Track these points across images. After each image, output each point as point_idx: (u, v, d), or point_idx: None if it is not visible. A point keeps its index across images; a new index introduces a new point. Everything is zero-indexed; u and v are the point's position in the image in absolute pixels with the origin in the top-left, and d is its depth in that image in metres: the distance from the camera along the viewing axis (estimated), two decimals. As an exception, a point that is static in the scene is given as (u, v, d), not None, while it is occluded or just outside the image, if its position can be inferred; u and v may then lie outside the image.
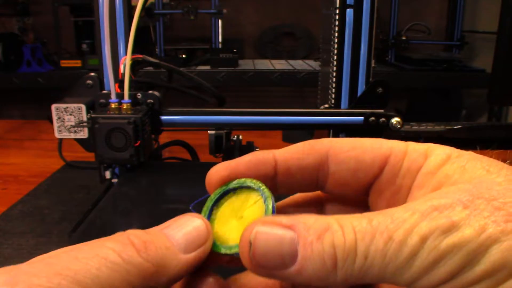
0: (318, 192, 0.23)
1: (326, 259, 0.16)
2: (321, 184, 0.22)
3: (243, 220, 0.20)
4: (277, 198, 0.21)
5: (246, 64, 1.84)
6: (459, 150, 0.20)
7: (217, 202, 0.21)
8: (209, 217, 0.21)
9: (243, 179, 0.21)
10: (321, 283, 0.17)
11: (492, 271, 0.15)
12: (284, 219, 0.17)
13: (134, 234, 0.17)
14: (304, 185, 0.22)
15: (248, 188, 0.21)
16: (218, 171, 0.21)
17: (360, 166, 0.21)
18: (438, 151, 0.20)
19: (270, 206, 0.20)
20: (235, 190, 0.21)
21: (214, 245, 0.20)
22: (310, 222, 0.17)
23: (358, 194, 0.22)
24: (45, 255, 0.16)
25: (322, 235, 0.16)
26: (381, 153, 0.21)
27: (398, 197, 0.20)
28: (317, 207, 0.24)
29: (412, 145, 0.21)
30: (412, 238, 0.16)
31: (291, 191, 0.23)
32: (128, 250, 0.16)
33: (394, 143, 0.21)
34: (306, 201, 0.24)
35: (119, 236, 0.17)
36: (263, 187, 0.20)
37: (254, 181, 0.21)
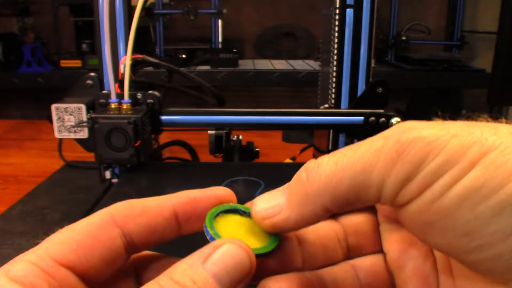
0: None
1: (300, 179, 0.19)
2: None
3: (244, 235, 0.20)
4: None
5: (246, 64, 1.84)
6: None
7: (214, 219, 0.20)
8: (212, 225, 0.20)
9: (234, 205, 0.21)
10: (307, 207, 0.18)
11: (452, 161, 0.15)
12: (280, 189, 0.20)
13: (182, 285, 0.16)
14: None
15: (239, 212, 0.21)
16: None
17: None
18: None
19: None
20: (227, 212, 0.21)
21: None
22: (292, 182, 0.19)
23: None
24: None
25: (298, 172, 0.19)
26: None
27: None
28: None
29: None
30: (377, 142, 0.17)
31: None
32: None
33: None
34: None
35: (168, 284, 0.16)
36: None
37: (244, 206, 0.21)
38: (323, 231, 0.21)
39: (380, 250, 0.21)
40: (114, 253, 0.18)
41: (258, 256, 0.19)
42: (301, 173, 0.19)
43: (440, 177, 0.16)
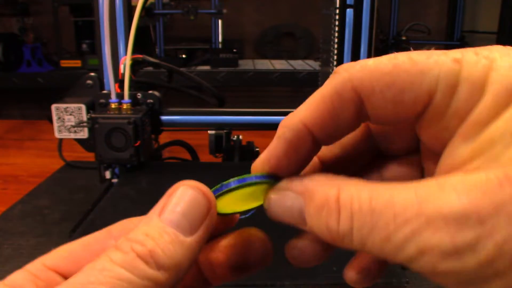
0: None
1: (325, 235, 0.17)
2: (365, 121, 0.19)
3: (241, 202, 0.20)
4: None
5: (246, 64, 1.84)
6: None
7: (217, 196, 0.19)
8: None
9: (243, 176, 0.20)
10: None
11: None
12: (296, 183, 0.18)
13: (136, 241, 0.16)
14: (347, 133, 0.19)
15: (250, 184, 0.20)
16: (264, 161, 0.19)
17: (400, 108, 0.17)
18: (498, 84, 0.15)
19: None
20: (234, 189, 0.20)
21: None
22: (314, 190, 0.17)
23: (407, 125, 0.19)
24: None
25: (320, 211, 0.17)
26: (424, 90, 0.16)
27: (443, 137, 0.17)
28: (368, 139, 0.22)
29: (467, 70, 0.16)
30: (410, 248, 0.15)
31: (338, 145, 0.21)
32: (137, 264, 0.16)
33: (442, 69, 0.16)
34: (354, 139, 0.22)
35: (123, 245, 0.16)
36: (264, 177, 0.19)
37: (255, 175, 0.20)
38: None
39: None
40: None
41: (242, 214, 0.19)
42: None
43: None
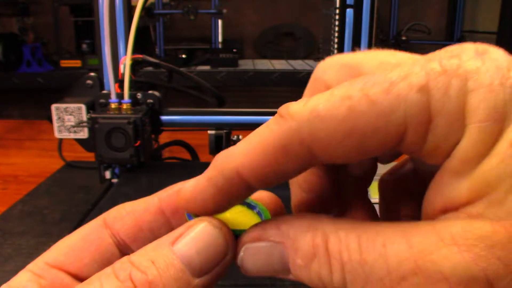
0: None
1: (317, 285, 0.15)
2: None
3: (231, 216, 0.19)
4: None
5: (246, 64, 1.84)
6: None
7: None
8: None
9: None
10: None
11: None
12: (272, 231, 0.16)
13: (138, 268, 0.15)
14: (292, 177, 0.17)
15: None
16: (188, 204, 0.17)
17: (366, 154, 0.15)
18: (480, 112, 0.13)
19: (263, 212, 0.19)
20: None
21: None
22: (297, 239, 0.15)
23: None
24: None
25: (309, 262, 0.15)
26: (389, 134, 0.14)
27: (425, 167, 0.16)
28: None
29: (437, 101, 0.13)
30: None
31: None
32: None
33: (407, 106, 0.13)
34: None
35: (121, 269, 0.15)
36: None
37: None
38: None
39: None
40: (105, 252, 0.18)
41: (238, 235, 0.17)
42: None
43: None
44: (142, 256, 0.15)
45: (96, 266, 0.18)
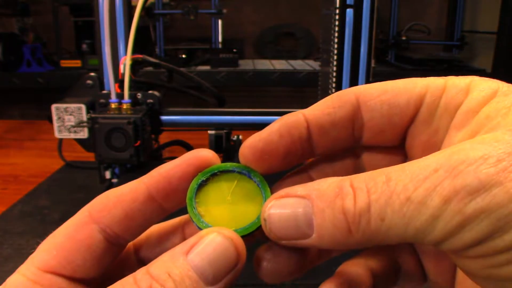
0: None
1: (338, 225, 0.15)
2: (357, 136, 0.20)
3: (232, 203, 0.19)
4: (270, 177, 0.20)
5: (246, 64, 1.84)
6: (509, 85, 0.17)
7: (199, 189, 0.19)
8: (194, 205, 0.19)
9: (223, 164, 0.20)
10: (343, 247, 0.16)
11: None
12: (299, 189, 0.17)
13: (157, 279, 0.15)
14: (340, 141, 0.19)
15: (229, 172, 0.20)
16: (253, 143, 0.19)
17: (394, 110, 0.18)
18: (482, 86, 0.17)
19: (264, 185, 0.19)
20: (214, 176, 0.20)
21: (204, 226, 0.19)
22: (323, 187, 0.16)
23: (396, 140, 0.20)
24: None
25: (334, 200, 0.15)
26: (415, 92, 0.18)
27: (435, 140, 0.18)
28: (353, 159, 0.21)
29: (451, 80, 0.18)
30: (433, 199, 0.14)
31: (328, 150, 0.20)
32: None
33: (430, 80, 0.19)
34: (341, 155, 0.21)
35: (142, 281, 0.16)
36: (243, 167, 0.20)
37: (235, 164, 0.20)
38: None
39: None
40: (96, 250, 0.18)
41: (244, 236, 0.18)
42: (337, 214, 0.16)
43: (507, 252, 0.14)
44: (159, 268, 0.16)
45: (89, 265, 0.18)
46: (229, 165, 0.20)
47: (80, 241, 0.18)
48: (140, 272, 0.16)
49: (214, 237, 0.16)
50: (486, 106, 0.16)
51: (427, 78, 0.19)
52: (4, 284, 0.17)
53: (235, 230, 0.18)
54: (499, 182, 0.14)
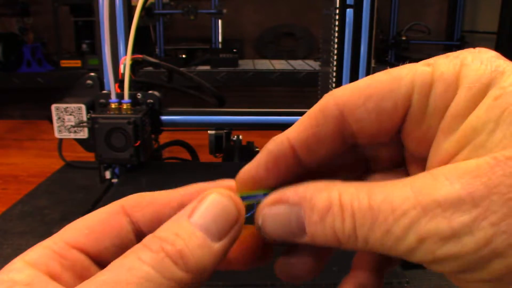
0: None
1: (330, 239, 0.17)
2: (349, 142, 0.20)
3: None
4: None
5: (246, 64, 1.84)
6: (503, 67, 0.16)
7: None
8: None
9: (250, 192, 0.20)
10: (334, 247, 0.17)
11: (491, 281, 0.15)
12: (290, 193, 0.18)
13: (166, 241, 0.16)
14: (331, 151, 0.20)
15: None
16: (243, 179, 0.20)
17: (382, 116, 0.18)
18: (472, 78, 0.16)
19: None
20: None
21: None
22: (315, 198, 0.17)
23: (391, 137, 0.20)
24: (82, 285, 0.15)
25: (324, 216, 0.17)
26: (401, 93, 0.18)
27: (427, 138, 0.18)
28: (355, 153, 0.21)
29: (439, 68, 0.17)
30: (410, 237, 0.15)
31: (324, 164, 0.20)
32: (166, 265, 0.16)
33: (416, 73, 0.17)
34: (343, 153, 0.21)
35: (152, 243, 0.16)
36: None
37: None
38: None
39: None
40: (124, 238, 0.19)
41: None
42: (327, 230, 0.17)
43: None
44: (166, 232, 0.17)
45: (115, 250, 0.19)
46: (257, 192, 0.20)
47: (111, 227, 0.19)
48: (148, 238, 0.17)
49: (213, 197, 0.18)
50: (473, 113, 0.16)
51: (412, 67, 0.18)
52: (23, 255, 0.17)
53: None
54: (470, 232, 0.14)
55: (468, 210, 0.14)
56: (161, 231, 0.17)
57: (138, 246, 0.17)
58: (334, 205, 0.16)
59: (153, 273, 0.16)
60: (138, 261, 0.16)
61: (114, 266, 0.16)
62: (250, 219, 0.20)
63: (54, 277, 0.17)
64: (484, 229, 0.14)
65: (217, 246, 0.17)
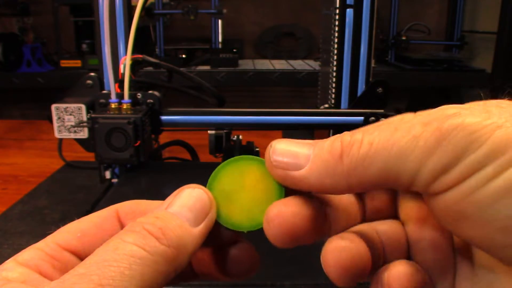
0: None
1: (333, 151, 0.18)
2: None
3: (246, 189, 0.20)
4: None
5: (246, 64, 1.84)
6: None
7: (214, 181, 0.21)
8: (212, 189, 0.21)
9: (238, 157, 0.21)
10: (330, 179, 0.18)
11: (496, 153, 0.15)
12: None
13: (147, 223, 0.17)
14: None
15: (243, 160, 0.21)
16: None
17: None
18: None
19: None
20: (229, 165, 0.21)
21: (220, 219, 0.20)
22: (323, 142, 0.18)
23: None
24: (73, 269, 0.16)
25: (333, 139, 0.18)
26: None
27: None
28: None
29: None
30: (415, 127, 0.16)
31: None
32: (149, 241, 0.17)
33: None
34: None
35: (134, 227, 0.17)
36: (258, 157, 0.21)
37: (249, 156, 0.21)
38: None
39: (396, 217, 0.21)
40: None
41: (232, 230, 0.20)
42: (336, 143, 0.18)
43: (482, 169, 0.15)
44: (146, 217, 0.18)
45: None
46: (244, 157, 0.21)
47: (104, 231, 0.20)
48: (129, 224, 0.18)
49: (187, 191, 0.19)
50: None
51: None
52: (15, 256, 0.18)
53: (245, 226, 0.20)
54: (473, 114, 0.16)
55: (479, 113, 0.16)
56: (141, 218, 0.18)
57: (120, 232, 0.17)
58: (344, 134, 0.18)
59: (137, 249, 0.16)
60: (122, 242, 0.16)
61: (99, 250, 0.16)
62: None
63: (45, 277, 0.17)
64: (486, 116, 0.16)
65: (195, 230, 0.18)
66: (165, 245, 0.17)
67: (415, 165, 0.16)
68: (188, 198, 0.19)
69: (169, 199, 0.19)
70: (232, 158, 0.21)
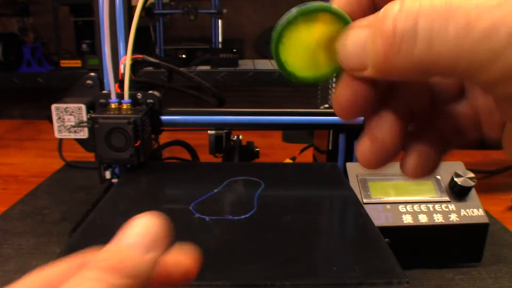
0: None
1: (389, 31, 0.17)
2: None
3: (316, 42, 0.20)
4: None
5: (246, 64, 1.84)
6: None
7: (285, 29, 0.21)
8: (279, 41, 0.21)
9: (312, 6, 0.21)
10: (394, 68, 0.17)
11: None
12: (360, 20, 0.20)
13: (101, 259, 0.17)
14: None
15: (320, 12, 0.21)
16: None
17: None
18: None
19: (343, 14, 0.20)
20: (300, 16, 0.21)
21: (286, 72, 0.20)
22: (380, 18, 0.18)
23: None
24: None
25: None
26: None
27: None
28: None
29: None
30: (501, 32, 0.14)
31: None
32: (106, 277, 0.17)
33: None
34: None
35: (95, 262, 0.17)
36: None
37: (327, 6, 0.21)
38: None
39: None
40: None
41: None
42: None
43: None
44: (99, 254, 0.18)
45: None
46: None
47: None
48: (85, 262, 0.18)
49: (137, 220, 0.19)
50: None
51: None
52: None
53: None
54: None
55: None
56: (94, 256, 0.18)
57: (76, 273, 0.17)
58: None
59: (103, 285, 0.16)
60: (87, 278, 0.17)
61: None
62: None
63: None
64: None
65: (147, 256, 0.18)
66: (123, 278, 0.17)
67: (486, 63, 0.15)
68: (139, 226, 0.19)
69: (118, 235, 0.19)
70: (306, 8, 0.21)
